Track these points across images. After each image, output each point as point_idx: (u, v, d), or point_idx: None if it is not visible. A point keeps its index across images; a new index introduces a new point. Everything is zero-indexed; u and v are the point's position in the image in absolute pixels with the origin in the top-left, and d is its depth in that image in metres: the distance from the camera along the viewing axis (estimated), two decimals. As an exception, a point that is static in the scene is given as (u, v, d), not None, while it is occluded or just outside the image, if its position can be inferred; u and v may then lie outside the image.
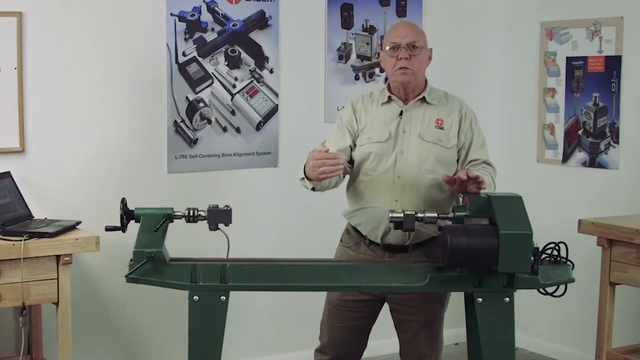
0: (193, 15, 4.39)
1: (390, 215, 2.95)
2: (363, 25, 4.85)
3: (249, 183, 4.61)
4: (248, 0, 4.54)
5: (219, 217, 2.91)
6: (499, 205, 2.87)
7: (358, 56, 4.86)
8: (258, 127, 4.62)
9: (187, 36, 4.38)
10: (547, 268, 2.92)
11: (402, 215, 2.94)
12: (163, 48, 4.33)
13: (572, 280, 2.95)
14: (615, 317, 4.20)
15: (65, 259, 3.61)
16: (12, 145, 3.99)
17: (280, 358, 4.76)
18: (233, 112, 4.55)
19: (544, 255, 2.94)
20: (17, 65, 3.97)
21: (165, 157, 4.39)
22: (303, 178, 3.19)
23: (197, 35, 4.41)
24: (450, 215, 2.97)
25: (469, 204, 2.95)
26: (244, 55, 4.55)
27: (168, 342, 4.43)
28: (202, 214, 2.93)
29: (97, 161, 4.22)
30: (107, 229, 2.97)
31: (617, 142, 4.62)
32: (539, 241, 2.88)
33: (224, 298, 2.87)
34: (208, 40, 4.45)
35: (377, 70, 4.89)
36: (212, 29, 4.45)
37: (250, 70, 4.58)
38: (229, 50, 4.51)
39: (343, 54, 4.82)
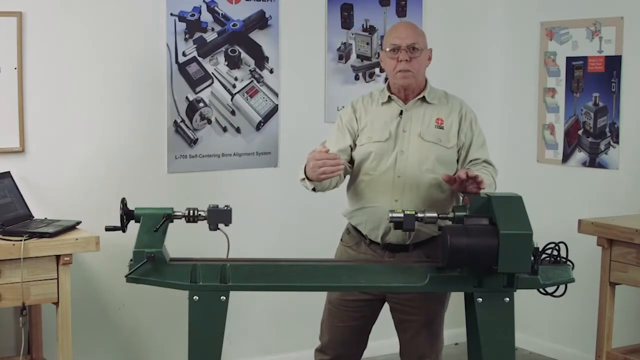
0: (193, 15, 4.39)
1: (390, 215, 2.95)
2: (363, 25, 4.85)
3: (249, 183, 4.61)
4: (248, 0, 4.54)
5: (219, 217, 2.91)
6: (499, 205, 2.87)
7: (358, 56, 4.86)
8: (258, 127, 4.62)
9: (187, 36, 4.38)
10: (547, 268, 2.92)
11: (402, 215, 2.94)
12: (163, 48, 4.33)
13: (572, 280, 2.95)
14: (615, 317, 4.20)
15: (65, 259, 3.61)
16: (12, 145, 3.99)
17: (280, 358, 4.76)
18: (233, 112, 4.55)
19: (544, 255, 2.94)
20: (17, 65, 3.97)
21: (165, 157, 4.39)
22: (304, 179, 3.19)
23: (197, 35, 4.41)
24: (450, 215, 2.97)
25: (469, 204, 2.95)
26: (244, 55, 4.55)
27: (168, 342, 4.43)
28: (202, 214, 2.93)
29: (97, 161, 4.22)
30: (107, 229, 2.97)
31: (617, 142, 4.62)
32: (539, 241, 2.88)
33: (224, 298, 2.87)
34: (208, 40, 4.45)
35: (377, 70, 4.89)
36: (212, 29, 4.45)
37: (250, 70, 4.58)
38: (229, 50, 4.51)
39: (343, 54, 4.82)
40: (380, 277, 2.96)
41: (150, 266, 2.83)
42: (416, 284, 2.95)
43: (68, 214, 4.00)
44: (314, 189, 3.22)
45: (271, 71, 4.63)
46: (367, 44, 4.86)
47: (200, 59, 4.43)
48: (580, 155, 4.81)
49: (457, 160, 3.30)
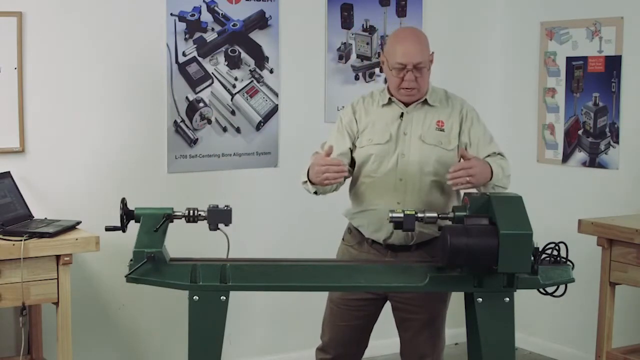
0: (193, 15, 4.39)
1: (390, 215, 2.95)
2: (363, 25, 4.85)
3: (249, 183, 4.61)
4: (248, 0, 4.54)
5: (219, 217, 2.91)
6: (499, 205, 2.87)
7: (358, 56, 4.86)
8: (258, 127, 4.62)
9: (187, 36, 4.38)
10: (547, 268, 2.92)
11: (402, 215, 2.94)
12: (163, 48, 4.33)
13: (572, 280, 2.95)
14: (615, 317, 4.20)
15: (65, 259, 3.61)
16: (12, 145, 4.00)
17: (280, 358, 4.76)
18: (233, 112, 4.55)
19: (544, 255, 2.94)
20: (17, 65, 3.97)
21: (165, 157, 4.39)
22: (306, 182, 3.19)
23: (197, 35, 4.41)
24: (450, 215, 2.97)
25: (469, 204, 2.95)
26: (244, 55, 4.55)
27: (168, 342, 4.43)
28: (202, 214, 2.93)
29: (97, 161, 4.22)
30: (107, 229, 2.97)
31: (617, 142, 4.62)
32: (539, 241, 2.88)
33: (224, 298, 2.87)
34: (208, 40, 4.45)
35: (377, 70, 4.89)
36: (212, 29, 4.45)
37: (250, 70, 4.58)
38: (229, 50, 4.51)
39: (343, 54, 4.82)
40: (381, 277, 2.96)
41: (150, 266, 2.83)
42: (416, 284, 2.95)
43: (68, 214, 4.00)
44: (315, 192, 3.22)
45: (271, 71, 4.63)
46: (367, 44, 4.86)
47: (200, 59, 4.43)
48: (580, 155, 4.81)
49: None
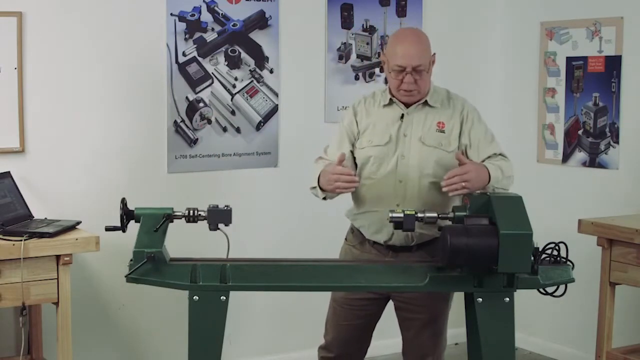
0: (193, 15, 4.39)
1: (390, 215, 2.95)
2: (363, 25, 4.85)
3: (249, 183, 4.61)
4: (248, 0, 4.54)
5: (219, 217, 2.91)
6: (499, 205, 2.87)
7: (358, 56, 4.86)
8: (258, 127, 4.62)
9: (187, 36, 4.38)
10: (547, 268, 2.92)
11: (402, 215, 2.94)
12: (163, 48, 4.33)
13: (572, 280, 2.95)
14: (615, 317, 4.20)
15: (65, 259, 3.61)
16: (12, 145, 4.00)
17: (280, 358, 4.76)
18: (233, 112, 4.55)
19: (544, 255, 2.94)
20: (17, 65, 3.97)
21: (165, 157, 4.39)
22: (315, 187, 3.20)
23: (197, 35, 4.41)
24: (450, 215, 2.97)
25: (469, 204, 2.95)
26: (244, 55, 4.55)
27: (168, 342, 4.43)
28: (202, 214, 2.93)
29: (97, 161, 4.22)
30: (107, 229, 2.97)
31: (617, 142, 4.62)
32: (539, 241, 2.88)
33: (224, 298, 2.87)
34: (208, 40, 4.45)
35: (377, 70, 4.89)
36: (212, 29, 4.45)
37: (250, 70, 4.58)
38: (229, 50, 4.51)
39: (343, 54, 4.82)
40: (381, 277, 2.96)
41: (150, 266, 2.83)
42: (416, 284, 2.95)
43: (68, 214, 4.00)
44: (324, 198, 3.24)
45: (271, 71, 4.63)
46: (367, 44, 4.86)
47: (200, 59, 4.43)
48: (580, 155, 4.81)
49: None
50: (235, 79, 4.54)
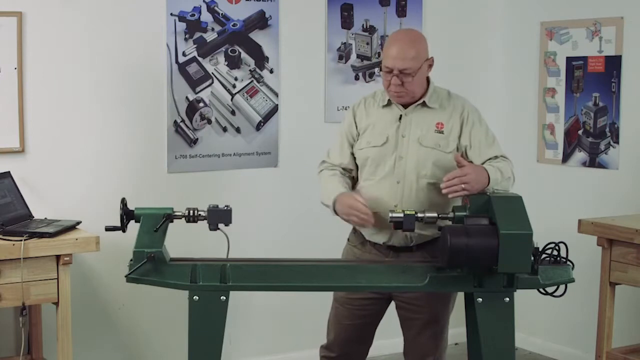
0: (193, 15, 4.39)
1: (390, 215, 2.95)
2: (363, 25, 4.85)
3: (249, 183, 4.61)
4: (248, 0, 4.54)
5: (219, 217, 2.91)
6: (499, 205, 2.87)
7: (358, 56, 4.86)
8: (258, 127, 4.62)
9: (187, 36, 4.38)
10: (547, 268, 2.92)
11: (402, 215, 2.94)
12: (163, 48, 4.33)
13: (572, 280, 2.95)
14: (615, 317, 4.20)
15: (65, 259, 3.61)
16: (12, 145, 3.99)
17: (280, 358, 4.76)
18: (233, 112, 4.55)
19: (544, 255, 2.94)
20: (17, 65, 3.97)
21: (165, 157, 4.39)
22: (328, 205, 3.22)
23: (197, 35, 4.41)
24: (450, 215, 2.97)
25: (469, 204, 2.95)
26: (244, 55, 4.55)
27: (168, 342, 4.43)
28: (202, 214, 2.94)
29: (97, 161, 4.22)
30: (107, 229, 2.97)
31: (617, 142, 4.62)
32: (539, 241, 2.88)
33: (224, 298, 2.87)
34: (208, 40, 4.45)
35: (377, 70, 4.89)
36: (212, 29, 4.45)
37: (250, 70, 4.58)
38: (229, 50, 4.51)
39: (343, 54, 4.82)
40: (381, 277, 2.96)
41: (150, 266, 2.83)
42: (416, 284, 2.95)
43: (68, 214, 4.00)
44: (335, 213, 3.26)
45: (271, 71, 4.63)
46: (367, 44, 4.86)
47: (200, 59, 4.43)
48: (580, 155, 4.81)
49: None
50: (235, 79, 4.54)
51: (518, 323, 2.99)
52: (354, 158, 3.34)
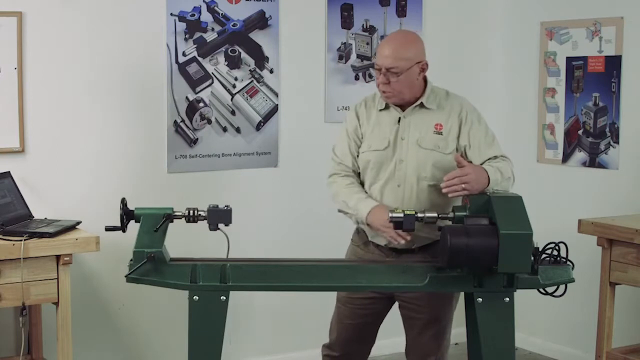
0: (193, 15, 4.39)
1: (390, 215, 2.95)
2: (363, 25, 4.85)
3: (249, 183, 4.61)
4: (248, 0, 4.54)
5: (219, 217, 2.91)
6: (499, 205, 2.87)
7: (358, 56, 4.86)
8: (258, 127, 4.62)
9: (187, 36, 4.38)
10: (547, 268, 2.92)
11: (402, 215, 2.94)
12: (163, 48, 4.33)
13: (572, 280, 2.95)
14: (615, 317, 4.20)
15: (65, 259, 3.61)
16: (12, 145, 3.99)
17: (280, 358, 4.76)
18: (233, 112, 4.55)
19: (544, 255, 2.94)
20: (17, 65, 3.97)
21: (165, 157, 4.39)
22: (353, 215, 3.23)
23: (197, 35, 4.41)
24: (450, 215, 2.97)
25: (469, 204, 2.95)
26: (244, 55, 4.55)
27: (168, 342, 4.43)
28: (202, 214, 2.94)
29: (97, 161, 4.22)
30: (107, 229, 2.97)
31: (617, 142, 4.62)
32: (539, 241, 2.88)
33: (224, 298, 2.87)
34: (208, 40, 4.45)
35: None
36: (212, 29, 4.45)
37: (250, 70, 4.58)
38: (229, 50, 4.51)
39: (343, 54, 4.82)
40: (381, 277, 2.96)
41: (150, 266, 2.83)
42: (416, 284, 2.95)
43: (68, 214, 4.00)
44: (356, 222, 3.28)
45: (271, 71, 4.63)
46: (367, 44, 4.86)
47: (200, 59, 4.43)
48: (580, 155, 4.81)
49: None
50: (235, 79, 4.54)
51: (518, 323, 2.99)
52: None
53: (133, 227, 2.92)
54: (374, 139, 3.27)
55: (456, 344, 4.65)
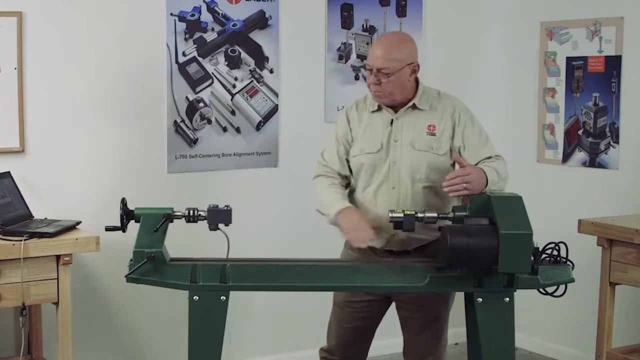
0: (193, 15, 4.39)
1: (390, 215, 2.95)
2: (363, 25, 4.85)
3: (249, 183, 4.61)
4: (248, 0, 4.54)
5: (219, 217, 2.91)
6: (499, 205, 2.87)
7: (358, 56, 4.86)
8: (258, 127, 4.62)
9: (187, 36, 4.38)
10: (547, 268, 2.93)
11: (402, 215, 2.94)
12: (163, 48, 4.33)
13: (572, 280, 2.95)
14: (615, 317, 4.20)
15: (65, 259, 3.61)
16: (12, 145, 4.00)
17: (280, 358, 4.76)
18: (233, 112, 4.55)
19: (544, 255, 2.94)
20: (17, 65, 3.97)
21: (165, 157, 4.39)
22: (326, 214, 3.22)
23: (197, 35, 4.41)
24: (450, 215, 2.97)
25: (469, 204, 2.95)
26: (244, 55, 4.55)
27: (168, 342, 4.43)
28: (202, 214, 2.94)
29: (97, 161, 4.22)
30: (107, 229, 2.97)
31: (617, 142, 4.62)
32: (539, 241, 2.88)
33: (224, 298, 2.87)
34: (208, 40, 4.45)
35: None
36: (212, 29, 4.45)
37: (250, 70, 4.58)
38: (229, 50, 4.51)
39: (343, 54, 4.82)
40: (380, 277, 2.96)
41: (150, 266, 2.83)
42: (416, 284, 2.95)
43: (68, 214, 4.00)
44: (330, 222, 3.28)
45: (271, 71, 4.63)
46: (367, 44, 4.86)
47: (200, 59, 4.43)
48: (580, 155, 4.81)
49: (453, 165, 3.26)
50: (235, 79, 4.54)
51: (518, 323, 2.99)
52: (349, 164, 3.33)
53: (133, 227, 2.92)
54: (366, 141, 3.26)
55: (456, 344, 4.65)
